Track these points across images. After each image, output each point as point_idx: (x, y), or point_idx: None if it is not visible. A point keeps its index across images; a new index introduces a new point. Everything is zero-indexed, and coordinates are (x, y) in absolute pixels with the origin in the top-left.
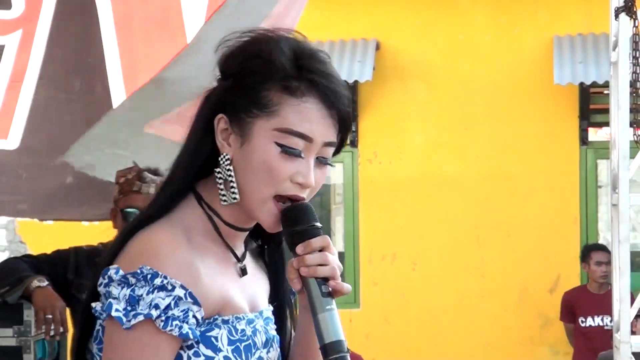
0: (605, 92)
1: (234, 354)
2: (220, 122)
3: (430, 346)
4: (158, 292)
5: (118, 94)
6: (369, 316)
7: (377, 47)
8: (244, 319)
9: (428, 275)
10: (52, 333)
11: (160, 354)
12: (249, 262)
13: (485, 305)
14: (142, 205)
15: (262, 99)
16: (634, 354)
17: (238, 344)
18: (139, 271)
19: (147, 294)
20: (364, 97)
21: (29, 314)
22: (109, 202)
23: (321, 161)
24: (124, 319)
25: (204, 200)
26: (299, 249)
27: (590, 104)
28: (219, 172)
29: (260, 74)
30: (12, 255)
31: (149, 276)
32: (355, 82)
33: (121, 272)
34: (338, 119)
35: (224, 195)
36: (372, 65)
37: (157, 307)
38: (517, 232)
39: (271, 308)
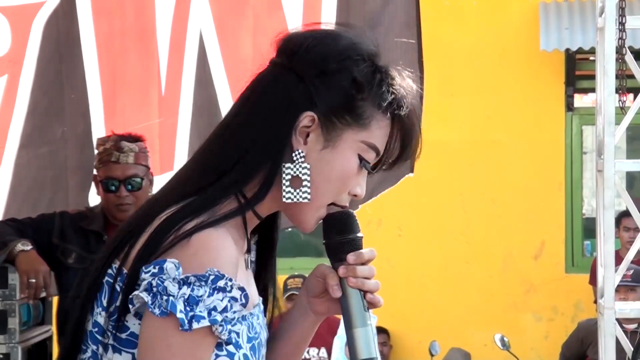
0: (591, 58)
1: (251, 351)
2: (306, 120)
3: (415, 312)
4: (217, 293)
5: (98, 124)
6: None
7: None
8: (254, 315)
9: (413, 241)
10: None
11: (208, 354)
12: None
13: (470, 271)
14: (121, 175)
15: (358, 109)
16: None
17: (254, 341)
18: (206, 274)
19: (208, 296)
20: None
21: (13, 278)
22: None
23: (362, 165)
24: (186, 321)
25: (243, 192)
26: (351, 258)
27: (576, 70)
28: (288, 168)
29: (361, 83)
30: None
31: (211, 277)
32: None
33: (182, 271)
34: (405, 138)
35: (289, 192)
36: None
37: (215, 309)
38: (502, 198)
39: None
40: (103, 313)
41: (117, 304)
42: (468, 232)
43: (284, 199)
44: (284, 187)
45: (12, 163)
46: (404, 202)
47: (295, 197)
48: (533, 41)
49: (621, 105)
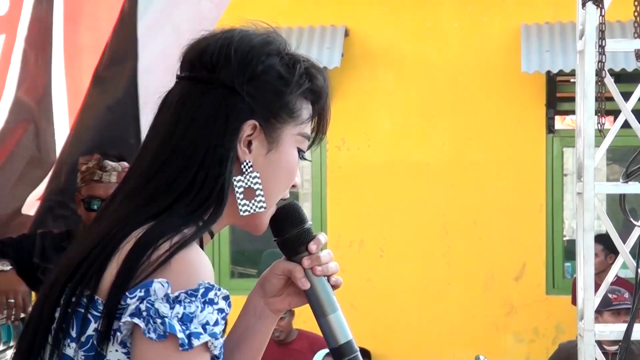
0: (572, 80)
1: None
2: (248, 129)
3: (396, 333)
4: (208, 307)
5: (58, 85)
6: None
7: (346, 34)
8: None
9: (395, 262)
10: (13, 318)
11: None
12: None
13: (451, 293)
14: (104, 194)
15: (290, 103)
16: (597, 342)
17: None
18: (198, 287)
19: (200, 311)
20: (332, 84)
21: None
22: None
23: (300, 157)
24: (186, 340)
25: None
26: (313, 247)
27: (557, 92)
28: (239, 181)
29: (286, 78)
30: None
31: (202, 290)
32: (324, 68)
33: (171, 290)
34: (321, 120)
35: (245, 204)
36: (341, 52)
37: (208, 324)
38: (483, 219)
39: None
40: (72, 344)
41: (90, 333)
42: (449, 253)
43: (241, 213)
44: (239, 201)
45: (1, 124)
46: (386, 223)
47: (251, 208)
48: (514, 63)
49: (600, 127)
